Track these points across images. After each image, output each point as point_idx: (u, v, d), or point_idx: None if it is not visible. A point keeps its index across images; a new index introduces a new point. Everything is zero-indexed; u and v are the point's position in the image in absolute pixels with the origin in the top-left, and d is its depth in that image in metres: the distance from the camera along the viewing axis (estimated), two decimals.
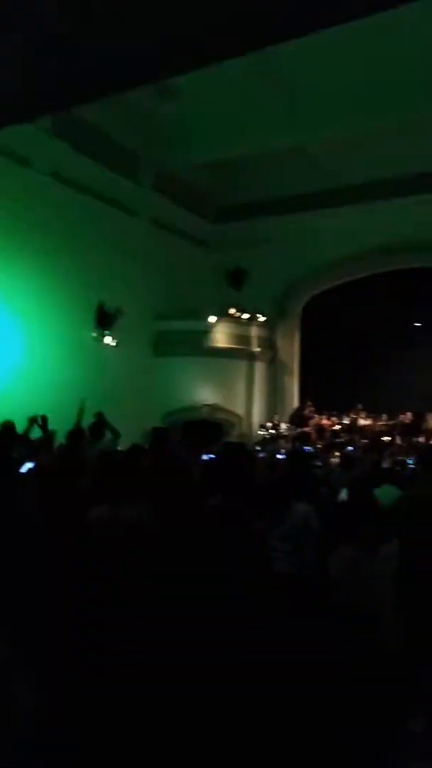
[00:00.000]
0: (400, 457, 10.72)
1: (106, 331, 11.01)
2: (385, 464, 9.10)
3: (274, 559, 4.04)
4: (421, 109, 9.54)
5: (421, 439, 11.31)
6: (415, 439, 11.38)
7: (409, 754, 2.92)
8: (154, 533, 3.61)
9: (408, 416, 12.13)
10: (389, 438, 12.02)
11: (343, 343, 14.36)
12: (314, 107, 9.72)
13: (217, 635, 2.96)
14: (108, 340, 11.04)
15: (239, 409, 13.41)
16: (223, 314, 12.98)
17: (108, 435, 6.51)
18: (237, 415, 13.35)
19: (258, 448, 11.90)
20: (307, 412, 13.46)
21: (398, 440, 11.62)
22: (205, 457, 6.31)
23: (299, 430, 12.90)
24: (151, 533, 3.61)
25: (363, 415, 12.94)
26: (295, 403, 14.11)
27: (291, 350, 14.18)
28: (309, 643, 3.22)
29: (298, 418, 13.38)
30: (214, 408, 12.94)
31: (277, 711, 2.88)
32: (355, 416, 12.92)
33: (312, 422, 13.18)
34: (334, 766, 2.87)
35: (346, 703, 3.05)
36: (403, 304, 13.39)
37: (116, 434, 6.52)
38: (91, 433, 6.30)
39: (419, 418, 11.60)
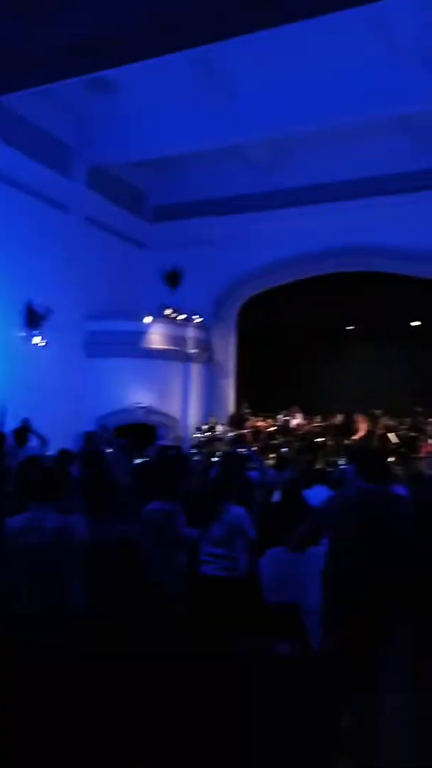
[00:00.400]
0: (332, 458, 10.98)
1: (35, 332, 10.61)
2: (319, 465, 9.28)
3: (207, 563, 3.97)
4: (356, 115, 9.78)
5: (352, 440, 11.62)
6: (345, 440, 11.68)
7: (339, 751, 2.93)
8: (82, 540, 3.45)
9: (339, 418, 12.44)
10: (323, 439, 12.29)
11: (278, 345, 14.58)
12: (251, 108, 9.78)
13: (143, 642, 2.84)
14: (37, 340, 10.64)
15: (175, 411, 13.29)
16: (158, 315, 12.83)
17: (35, 441, 6.24)
18: (172, 418, 13.23)
19: (194, 450, 11.84)
20: (243, 413, 13.54)
21: (331, 441, 11.90)
22: (138, 460, 6.17)
23: (235, 432, 12.94)
24: (78, 540, 3.45)
25: (298, 416, 13.16)
26: (232, 404, 14.15)
27: (227, 352, 14.21)
28: (238, 645, 3.18)
29: (234, 420, 13.43)
30: (148, 410, 12.75)
31: (205, 712, 2.80)
32: (290, 418, 13.12)
33: (248, 424, 13.27)
34: (266, 764, 2.83)
35: (276, 703, 3.02)
36: (337, 308, 13.75)
37: (43, 440, 6.25)
38: (15, 438, 6.00)
39: (350, 419, 11.91)
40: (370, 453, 2.89)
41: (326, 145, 11.51)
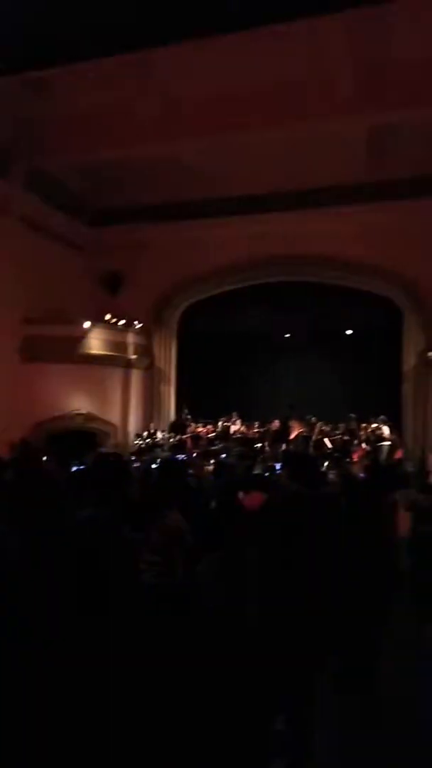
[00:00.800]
0: (270, 463, 11.17)
1: None
2: (257, 470, 9.43)
3: (144, 571, 3.95)
4: (294, 127, 10.04)
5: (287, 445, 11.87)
6: (281, 446, 11.92)
7: (272, 752, 2.99)
8: (14, 549, 3.35)
9: (277, 424, 12.69)
10: (261, 445, 12.48)
11: (219, 352, 14.70)
12: (187, 116, 9.87)
13: (81, 653, 2.80)
14: None
15: (114, 417, 13.15)
16: (97, 320, 12.66)
17: None
18: (112, 424, 13.07)
19: (133, 458, 11.73)
20: (183, 420, 13.56)
21: (268, 447, 12.11)
22: (74, 468, 6.06)
23: (176, 438, 12.94)
24: (10, 550, 3.34)
25: (237, 422, 13.32)
26: (172, 411, 14.15)
27: (168, 358, 14.22)
28: (174, 650, 3.18)
29: (175, 427, 13.42)
30: (87, 417, 12.54)
31: (141, 715, 2.79)
32: (229, 424, 13.26)
33: (188, 430, 13.30)
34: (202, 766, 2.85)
35: (213, 704, 3.05)
36: (276, 316, 14.03)
37: None
38: None
39: (287, 425, 12.17)
40: (302, 458, 2.98)
41: (266, 156, 11.77)
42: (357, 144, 10.98)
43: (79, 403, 12.45)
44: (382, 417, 11.85)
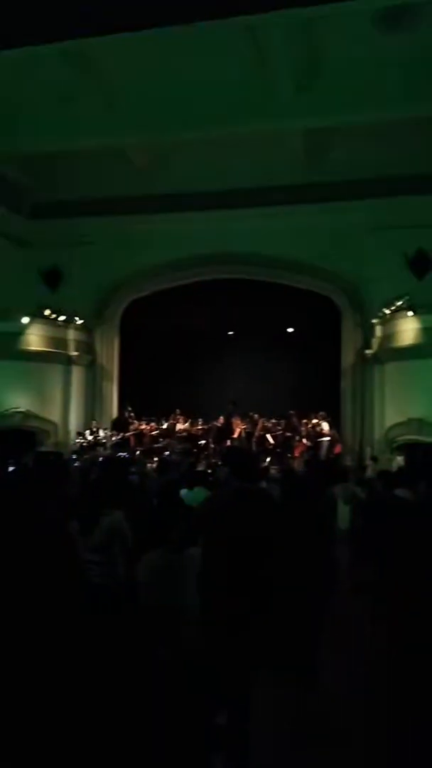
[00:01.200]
0: (213, 460, 11.24)
1: None
2: (201, 467, 9.46)
3: (86, 570, 3.88)
4: (229, 127, 10.09)
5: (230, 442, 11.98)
6: (225, 443, 12.02)
7: (214, 747, 3.02)
8: None
9: (220, 421, 12.77)
10: (204, 442, 12.53)
11: (163, 349, 14.62)
12: (130, 111, 9.74)
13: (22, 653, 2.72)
14: None
15: (55, 415, 12.83)
16: (37, 315, 12.31)
17: None
18: (52, 423, 12.75)
19: (74, 456, 11.50)
20: (127, 417, 13.41)
21: (212, 444, 12.18)
22: (11, 468, 5.88)
23: (119, 436, 12.79)
24: None
25: (181, 420, 13.30)
26: (115, 408, 13.95)
27: (111, 355, 13.99)
28: (114, 648, 3.15)
29: (117, 424, 13.24)
30: (26, 415, 12.18)
31: (82, 714, 2.75)
32: (173, 421, 13.22)
33: (131, 428, 13.16)
34: (145, 762, 2.84)
35: (153, 703, 3.05)
36: (219, 313, 14.09)
37: None
38: None
39: (230, 422, 12.27)
40: (242, 454, 3.01)
41: (208, 154, 11.80)
42: (296, 145, 11.20)
43: (18, 401, 12.07)
44: (321, 413, 12.15)
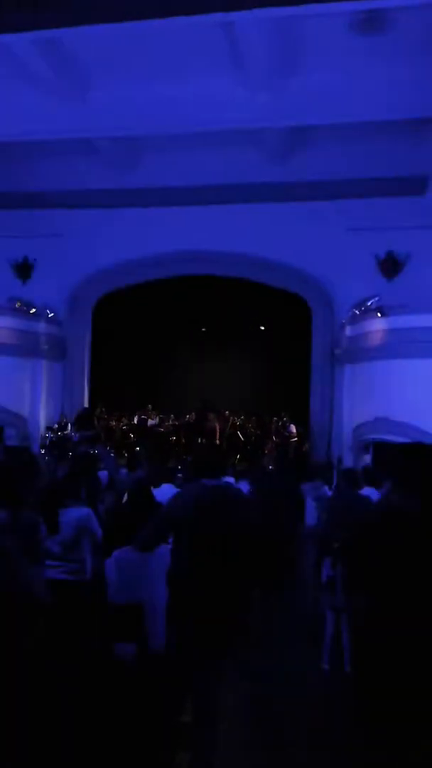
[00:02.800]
0: (184, 456, 11.26)
1: None
2: (171, 464, 9.47)
3: (52, 567, 3.87)
4: (202, 125, 10.07)
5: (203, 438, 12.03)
6: (198, 439, 12.06)
7: (179, 744, 3.05)
8: None
9: (192, 416, 12.80)
10: (175, 438, 12.54)
11: (135, 344, 14.56)
12: (102, 104, 9.64)
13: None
14: None
15: (24, 410, 12.64)
16: (6, 307, 12.09)
17: None
18: (21, 417, 12.56)
19: (43, 451, 11.37)
20: (97, 412, 13.31)
21: (183, 440, 12.19)
22: None
23: (89, 432, 12.68)
24: None
25: (152, 415, 13.27)
26: (86, 403, 13.82)
27: (82, 349, 13.84)
28: (81, 644, 3.16)
29: (87, 420, 13.12)
30: None
31: (46, 706, 2.76)
32: (144, 417, 13.19)
33: (102, 423, 13.08)
34: (112, 759, 2.87)
35: (118, 697, 3.07)
36: (192, 309, 14.11)
37: None
38: None
39: (202, 418, 12.31)
40: (211, 451, 3.05)
41: (179, 150, 11.76)
42: (270, 144, 11.26)
43: None
44: (285, 414, 12.29)
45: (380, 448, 10.55)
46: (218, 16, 6.98)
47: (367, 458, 10.98)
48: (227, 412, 12.79)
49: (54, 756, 2.60)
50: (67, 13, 6.75)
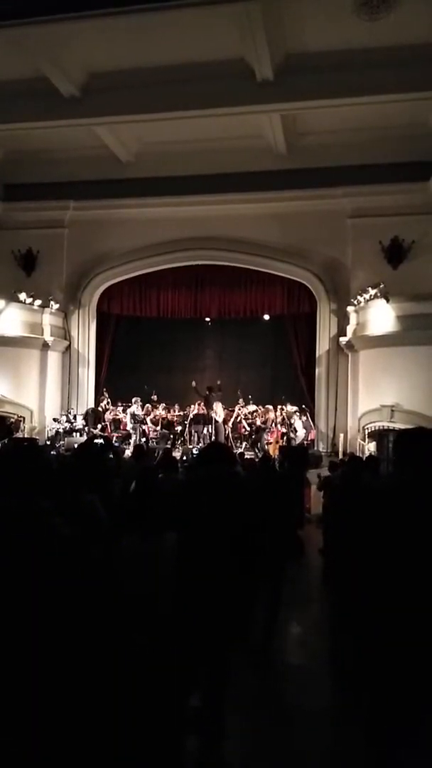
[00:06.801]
0: (190, 446, 11.30)
1: None
2: (177, 453, 9.52)
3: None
4: (216, 108, 10.05)
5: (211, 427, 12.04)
6: (203, 429, 12.08)
7: (187, 729, 3.10)
8: None
9: (196, 407, 12.80)
10: (181, 428, 12.57)
11: (138, 334, 14.57)
12: (105, 95, 9.61)
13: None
14: None
15: (30, 401, 12.71)
16: (12, 299, 12.14)
17: None
18: (27, 409, 12.64)
19: (49, 443, 11.47)
20: (103, 404, 13.36)
21: (188, 430, 12.22)
22: None
23: (94, 420, 12.76)
24: None
25: (158, 405, 13.29)
26: (91, 394, 13.88)
27: (86, 340, 13.86)
28: (89, 632, 3.20)
29: (94, 412, 13.19)
30: (0, 401, 12.05)
31: (54, 693, 2.81)
32: (150, 407, 13.20)
33: (109, 414, 13.13)
34: (119, 745, 2.90)
35: (128, 681, 3.11)
36: (195, 299, 14.05)
37: None
38: None
39: (208, 408, 12.31)
40: (218, 442, 3.07)
41: (185, 138, 11.71)
42: (276, 130, 11.19)
43: None
44: (290, 403, 12.30)
45: (385, 436, 10.58)
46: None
47: (372, 446, 11.00)
48: (240, 401, 12.76)
49: (62, 744, 2.64)
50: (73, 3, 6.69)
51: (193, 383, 12.54)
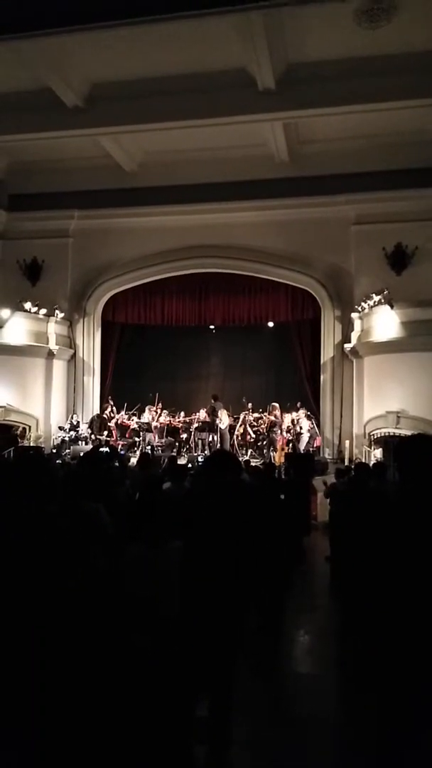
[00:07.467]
0: (195, 454, 11.29)
1: None
2: (182, 461, 9.52)
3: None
4: (218, 117, 10.13)
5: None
6: (209, 436, 12.07)
7: (197, 737, 3.08)
8: None
9: (202, 415, 12.80)
10: (186, 435, 12.56)
11: (143, 342, 14.61)
12: (109, 104, 9.71)
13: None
14: None
15: (36, 410, 12.74)
16: (17, 308, 12.21)
17: None
18: (33, 417, 12.67)
19: (54, 451, 11.48)
20: (108, 412, 13.39)
21: (193, 437, 12.22)
22: None
23: (99, 429, 12.78)
24: None
25: (164, 413, 13.30)
26: (96, 402, 13.91)
27: (91, 348, 13.92)
28: (95, 640, 3.19)
29: (99, 419, 13.22)
30: (6, 410, 12.09)
31: (63, 701, 2.81)
32: (155, 415, 13.22)
33: (113, 422, 13.15)
34: (128, 753, 2.90)
35: (135, 691, 3.10)
36: (200, 307, 14.10)
37: None
38: None
39: (213, 415, 12.30)
40: (222, 448, 3.08)
41: (188, 148, 11.79)
42: (278, 138, 11.25)
43: None
44: (299, 407, 12.27)
45: (390, 443, 10.53)
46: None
47: (378, 452, 10.96)
48: (249, 406, 12.74)
49: (67, 748, 2.64)
50: (76, 15, 6.79)
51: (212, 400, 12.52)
